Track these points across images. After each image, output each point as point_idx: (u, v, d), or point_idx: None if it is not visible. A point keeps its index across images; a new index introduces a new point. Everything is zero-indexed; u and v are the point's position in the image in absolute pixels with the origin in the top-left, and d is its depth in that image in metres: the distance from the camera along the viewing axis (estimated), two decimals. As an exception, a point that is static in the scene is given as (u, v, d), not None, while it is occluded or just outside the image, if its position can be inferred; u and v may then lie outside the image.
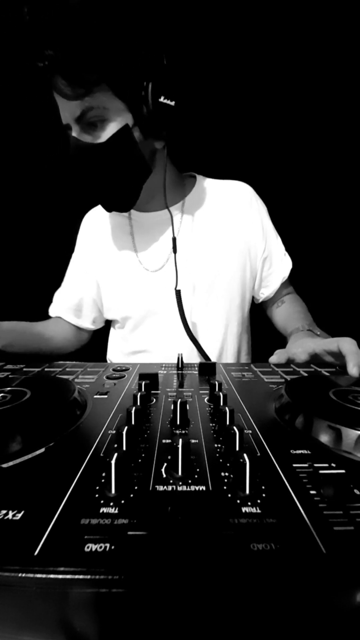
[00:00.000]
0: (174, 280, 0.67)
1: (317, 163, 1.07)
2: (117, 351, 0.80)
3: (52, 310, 0.84)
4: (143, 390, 0.35)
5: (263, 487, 0.20)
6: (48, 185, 1.05)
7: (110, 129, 0.57)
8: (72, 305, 0.81)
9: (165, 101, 0.57)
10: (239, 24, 0.93)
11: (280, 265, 0.78)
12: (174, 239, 0.67)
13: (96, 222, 0.81)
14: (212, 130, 1.03)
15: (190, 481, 0.21)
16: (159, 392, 0.38)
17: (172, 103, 0.57)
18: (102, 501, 0.19)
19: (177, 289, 0.66)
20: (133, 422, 0.27)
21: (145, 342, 0.74)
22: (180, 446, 0.21)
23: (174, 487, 0.20)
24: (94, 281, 0.79)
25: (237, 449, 0.23)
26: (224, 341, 0.74)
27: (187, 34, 0.90)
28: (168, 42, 0.60)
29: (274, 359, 0.53)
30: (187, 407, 0.30)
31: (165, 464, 0.23)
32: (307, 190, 1.09)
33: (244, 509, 0.18)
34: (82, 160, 0.59)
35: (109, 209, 0.69)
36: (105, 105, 0.56)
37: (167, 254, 0.71)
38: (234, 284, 0.73)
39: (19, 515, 0.18)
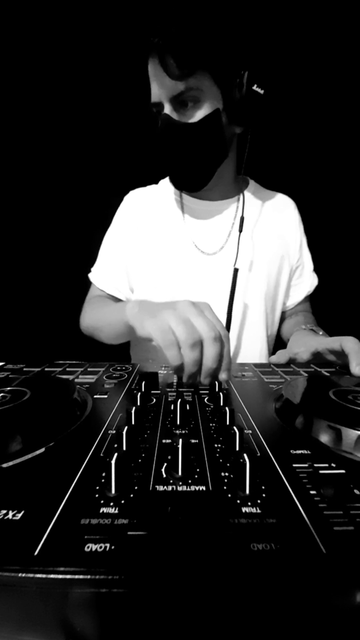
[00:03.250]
0: (230, 263, 0.69)
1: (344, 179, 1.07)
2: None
3: (103, 284, 0.79)
4: (143, 390, 0.35)
5: (263, 487, 0.20)
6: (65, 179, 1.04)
7: (203, 111, 0.60)
8: (124, 279, 0.79)
9: (257, 89, 0.60)
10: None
11: (308, 279, 0.81)
12: (242, 218, 0.70)
13: (143, 202, 0.80)
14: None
15: (190, 481, 0.21)
16: (159, 392, 0.38)
17: (262, 92, 0.61)
18: (102, 501, 0.19)
19: (236, 267, 0.69)
20: (133, 422, 0.27)
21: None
22: (180, 446, 0.21)
23: (174, 487, 0.20)
24: (138, 260, 0.77)
25: (237, 449, 0.23)
26: (252, 333, 0.75)
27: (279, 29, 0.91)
28: (265, 34, 0.64)
29: (275, 358, 0.53)
30: (187, 407, 0.30)
31: (165, 464, 0.23)
32: (337, 204, 1.09)
33: (244, 509, 0.18)
34: (172, 137, 0.62)
35: (181, 186, 0.71)
36: (202, 88, 0.59)
37: (223, 239, 0.74)
38: (271, 282, 0.76)
39: (19, 515, 0.18)
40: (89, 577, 0.15)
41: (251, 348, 0.74)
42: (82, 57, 0.98)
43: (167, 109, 0.60)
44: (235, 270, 0.68)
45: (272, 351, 0.82)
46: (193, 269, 0.73)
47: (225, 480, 0.21)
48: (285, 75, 0.97)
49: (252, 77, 0.60)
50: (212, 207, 0.75)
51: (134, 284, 0.78)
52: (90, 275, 0.81)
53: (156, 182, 0.83)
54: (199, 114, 0.60)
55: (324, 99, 1.03)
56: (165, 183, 0.81)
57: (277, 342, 0.83)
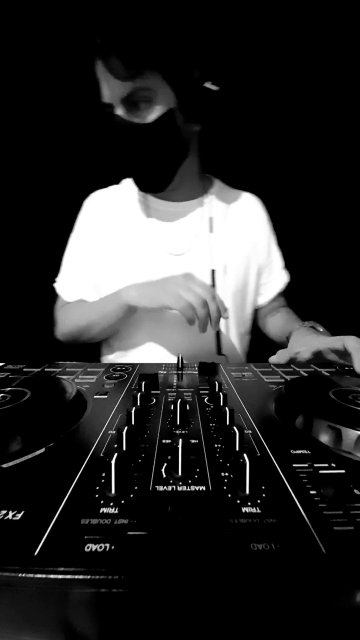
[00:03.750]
0: (199, 263, 0.71)
1: (318, 178, 1.08)
2: (115, 347, 0.78)
3: (69, 295, 0.78)
4: (143, 390, 0.35)
5: (263, 487, 0.20)
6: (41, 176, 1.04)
7: (157, 111, 0.59)
8: (90, 287, 0.78)
9: (210, 86, 0.59)
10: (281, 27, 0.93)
11: (279, 277, 0.82)
12: (211, 219, 0.72)
13: (106, 205, 0.79)
14: (231, 134, 1.02)
15: (190, 481, 0.21)
16: (159, 392, 0.38)
17: (216, 89, 0.60)
18: (102, 501, 0.19)
19: (212, 268, 0.70)
20: (133, 422, 0.27)
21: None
22: (180, 446, 0.21)
23: (174, 487, 0.20)
24: (104, 266, 0.76)
25: (237, 449, 0.23)
26: (227, 332, 0.76)
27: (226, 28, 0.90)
28: (216, 32, 0.62)
29: (275, 358, 0.53)
30: (187, 407, 0.30)
31: (165, 464, 0.23)
32: (305, 200, 1.09)
33: (244, 509, 0.18)
34: (128, 138, 0.61)
35: (143, 187, 0.71)
36: (153, 87, 0.58)
37: (191, 239, 0.74)
38: (240, 281, 0.76)
39: (19, 515, 0.18)
40: (89, 577, 0.15)
41: (225, 345, 0.75)
42: (30, 57, 0.96)
43: (120, 111, 0.59)
44: (213, 272, 0.69)
45: (249, 347, 0.84)
46: (162, 271, 0.71)
47: (225, 480, 0.21)
48: (246, 70, 0.96)
49: (204, 74, 0.59)
50: (177, 207, 0.75)
51: (103, 290, 0.76)
52: (56, 286, 0.80)
53: (117, 182, 0.82)
54: (152, 114, 0.59)
55: (287, 94, 1.02)
56: (128, 183, 0.79)
57: (262, 340, 0.85)
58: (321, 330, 0.66)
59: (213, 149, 0.79)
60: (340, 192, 1.09)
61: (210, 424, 0.29)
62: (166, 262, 0.73)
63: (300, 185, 1.09)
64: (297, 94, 1.02)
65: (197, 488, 0.20)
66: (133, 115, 0.59)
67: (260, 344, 0.84)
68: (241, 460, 0.20)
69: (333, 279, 1.12)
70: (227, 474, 0.22)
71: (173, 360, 0.61)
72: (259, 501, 0.19)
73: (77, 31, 0.59)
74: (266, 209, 0.83)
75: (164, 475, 0.22)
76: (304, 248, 1.08)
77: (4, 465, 0.22)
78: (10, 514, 0.18)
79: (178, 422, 0.29)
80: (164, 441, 0.26)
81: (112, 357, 0.78)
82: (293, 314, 0.81)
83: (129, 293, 0.63)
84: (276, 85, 1.01)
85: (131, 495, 0.20)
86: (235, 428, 0.24)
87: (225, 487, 0.20)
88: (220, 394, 0.32)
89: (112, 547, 0.16)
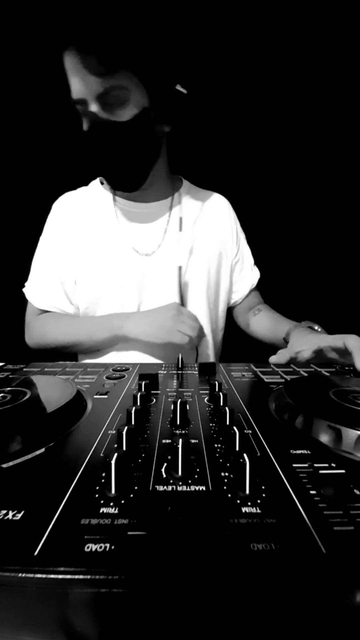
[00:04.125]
0: (168, 263, 0.72)
1: (290, 177, 1.10)
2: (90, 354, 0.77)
3: (39, 301, 0.76)
4: (143, 390, 0.35)
5: (263, 487, 0.20)
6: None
7: (131, 109, 0.60)
8: (61, 293, 0.76)
9: (180, 89, 0.61)
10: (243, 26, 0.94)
11: (250, 273, 0.85)
12: (181, 219, 0.73)
13: (74, 207, 0.77)
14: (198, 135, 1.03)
15: (190, 481, 0.21)
16: (159, 392, 0.38)
17: (185, 92, 0.62)
18: (102, 501, 0.19)
19: (180, 265, 0.72)
20: (133, 422, 0.27)
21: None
22: (180, 446, 0.21)
23: (174, 487, 0.20)
24: (75, 269, 0.75)
25: (237, 449, 0.23)
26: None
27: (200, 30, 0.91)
28: (189, 35, 0.66)
29: (275, 359, 0.53)
30: (187, 407, 0.30)
31: (165, 464, 0.23)
32: (274, 202, 1.12)
33: (244, 509, 0.18)
34: (103, 136, 0.61)
35: (118, 187, 0.71)
36: (128, 86, 0.58)
37: (159, 239, 0.75)
38: (212, 278, 0.78)
39: (19, 515, 0.18)
40: (89, 577, 0.15)
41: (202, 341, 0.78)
42: None
43: (94, 107, 0.59)
44: (179, 268, 0.72)
45: (222, 344, 0.86)
46: (132, 271, 0.72)
47: (225, 480, 0.21)
48: (213, 73, 0.98)
49: (176, 77, 0.61)
50: (147, 208, 0.75)
51: (73, 294, 0.75)
52: (25, 292, 0.78)
53: (86, 184, 0.81)
54: (128, 113, 0.59)
55: (250, 98, 1.03)
56: (96, 184, 0.79)
57: (247, 338, 0.86)
58: (319, 329, 0.66)
59: (181, 150, 0.79)
60: (308, 189, 1.11)
61: (210, 424, 0.29)
62: (136, 262, 0.73)
63: (265, 184, 1.11)
64: (264, 93, 1.03)
65: (197, 488, 0.20)
66: (108, 112, 0.59)
67: (261, 343, 0.84)
68: (241, 460, 0.20)
69: (324, 278, 1.14)
70: (227, 474, 0.22)
71: (147, 360, 0.68)
72: (259, 501, 0.19)
73: (46, 26, 0.58)
74: (235, 208, 0.86)
75: (164, 475, 0.22)
76: (278, 243, 1.11)
77: (4, 465, 0.22)
78: (10, 514, 0.18)
79: (178, 422, 0.29)
80: (164, 441, 0.26)
81: (87, 359, 0.78)
82: (275, 312, 0.83)
83: (127, 327, 0.66)
84: (242, 85, 1.02)
85: (131, 495, 0.20)
86: (235, 428, 0.24)
87: (225, 487, 0.20)
88: (220, 394, 0.32)
89: (112, 547, 0.16)
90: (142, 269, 0.72)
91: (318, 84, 1.01)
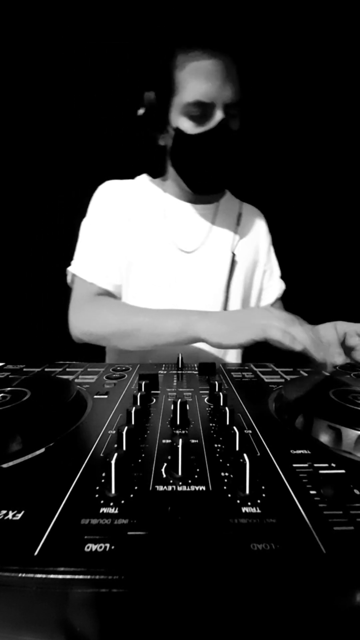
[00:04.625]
0: (207, 261, 0.76)
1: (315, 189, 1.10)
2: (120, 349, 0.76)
3: (101, 280, 0.71)
4: (143, 390, 0.35)
5: (263, 487, 0.20)
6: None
7: (238, 121, 0.68)
8: (115, 274, 0.73)
9: None
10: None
11: (277, 284, 0.88)
12: (240, 214, 0.81)
13: (123, 195, 0.77)
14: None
15: (190, 481, 0.21)
16: (159, 392, 0.38)
17: None
18: (102, 501, 0.19)
19: (233, 252, 0.77)
20: (133, 422, 0.27)
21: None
22: (180, 446, 0.21)
23: (174, 487, 0.20)
24: (125, 253, 0.73)
25: (237, 449, 0.23)
26: None
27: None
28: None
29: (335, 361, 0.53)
30: (187, 407, 0.30)
31: (165, 464, 0.23)
32: (301, 211, 1.12)
33: (244, 509, 0.18)
34: (218, 142, 0.66)
35: (202, 190, 0.75)
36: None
37: (202, 238, 0.77)
38: (247, 281, 0.81)
39: (19, 515, 0.18)
40: (89, 577, 0.15)
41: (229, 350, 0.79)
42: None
43: (220, 114, 0.63)
44: (233, 255, 0.76)
45: (245, 348, 0.83)
46: (174, 267, 0.75)
47: (225, 480, 0.21)
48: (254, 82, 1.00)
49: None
50: (194, 210, 0.79)
51: (124, 278, 0.74)
52: (78, 270, 0.72)
53: (129, 177, 0.82)
54: (237, 123, 0.67)
55: (282, 106, 1.04)
56: (143, 180, 0.81)
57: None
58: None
59: None
60: (340, 203, 1.11)
61: (210, 424, 0.29)
62: (178, 259, 0.75)
63: (299, 197, 1.13)
64: (295, 105, 1.03)
65: (197, 488, 0.20)
66: (229, 121, 0.65)
67: (260, 344, 0.84)
68: (241, 460, 0.20)
69: (332, 288, 1.14)
70: (227, 474, 0.22)
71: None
72: (259, 501, 0.19)
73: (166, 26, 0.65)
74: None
75: (164, 475, 0.22)
76: (301, 257, 1.12)
77: (4, 465, 0.22)
78: (10, 514, 0.18)
79: (178, 422, 0.29)
80: (164, 441, 0.26)
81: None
82: None
83: (200, 325, 0.56)
84: (277, 99, 1.02)
85: (131, 495, 0.20)
86: (235, 428, 0.24)
87: (225, 487, 0.20)
88: (220, 394, 0.32)
89: (112, 547, 0.16)
90: (183, 265, 0.75)
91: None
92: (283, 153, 1.08)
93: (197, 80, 0.62)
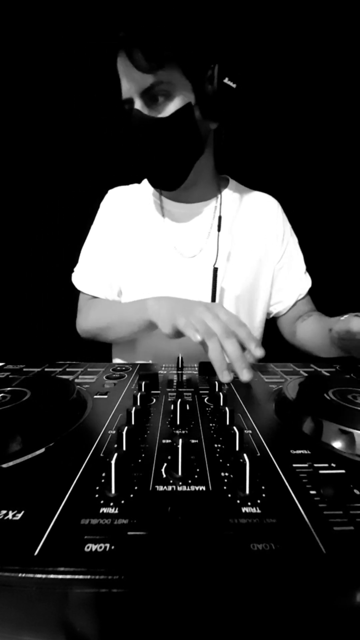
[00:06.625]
0: (209, 266, 0.69)
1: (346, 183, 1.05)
2: (126, 349, 0.77)
3: (88, 288, 0.76)
4: (143, 390, 0.35)
5: (263, 487, 0.20)
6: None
7: (174, 105, 0.59)
8: (111, 283, 0.76)
9: (229, 83, 0.59)
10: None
11: (299, 282, 0.77)
12: (220, 218, 0.70)
13: (124, 202, 0.78)
14: (248, 135, 1.01)
15: (190, 481, 0.21)
16: (159, 392, 0.38)
17: (234, 85, 0.59)
18: (102, 501, 0.19)
19: (215, 266, 0.68)
20: (133, 422, 0.27)
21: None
22: (180, 446, 0.21)
23: (174, 487, 0.20)
24: (120, 261, 0.75)
25: (237, 449, 0.23)
26: None
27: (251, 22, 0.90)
28: (236, 28, 0.63)
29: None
30: (187, 407, 0.30)
31: (165, 464, 0.23)
32: (330, 205, 1.06)
33: (244, 509, 0.18)
34: (144, 132, 0.60)
35: (156, 184, 0.70)
36: (172, 81, 0.58)
37: (202, 241, 0.73)
38: (246, 285, 0.74)
39: (19, 515, 0.18)
40: (89, 577, 0.15)
41: None
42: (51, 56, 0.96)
43: (138, 104, 0.59)
44: (215, 270, 0.68)
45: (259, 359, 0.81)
46: (174, 273, 0.72)
47: (225, 480, 0.21)
48: (265, 68, 0.95)
49: (223, 70, 0.58)
50: (191, 209, 0.74)
51: (121, 285, 0.76)
52: (75, 279, 0.77)
53: (138, 181, 0.82)
54: (170, 108, 0.58)
55: (314, 94, 1.00)
56: (146, 183, 0.79)
57: (263, 341, 0.81)
58: None
59: (229, 148, 0.76)
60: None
61: (210, 424, 0.29)
62: (177, 264, 0.72)
63: (321, 186, 1.06)
64: (322, 94, 1.00)
65: (197, 488, 0.20)
66: (151, 109, 0.60)
67: (261, 344, 0.83)
68: (241, 460, 0.20)
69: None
70: (227, 474, 0.22)
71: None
72: (259, 501, 0.19)
73: (101, 26, 0.59)
74: (286, 211, 0.80)
75: (164, 475, 0.22)
76: (326, 250, 1.04)
77: (4, 465, 0.22)
78: (10, 514, 0.18)
79: (178, 422, 0.29)
80: (164, 441, 0.26)
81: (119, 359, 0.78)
82: (327, 317, 0.74)
83: (153, 307, 0.57)
84: (299, 85, 1.00)
85: (131, 495, 0.20)
86: (235, 428, 0.24)
87: (225, 487, 0.20)
88: (220, 394, 0.32)
89: (112, 547, 0.16)
90: (183, 270, 0.71)
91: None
92: (307, 133, 1.02)
93: (121, 82, 0.60)
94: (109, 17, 0.58)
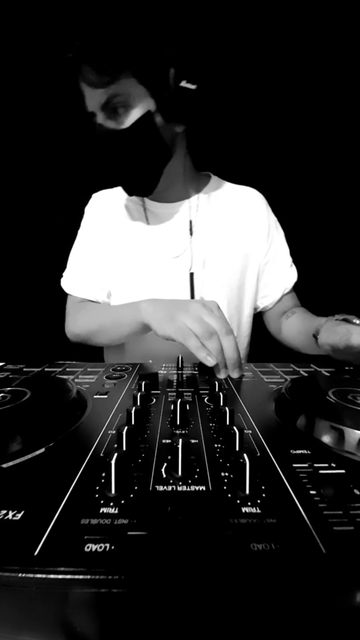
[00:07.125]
0: (188, 267, 0.70)
1: (331, 174, 1.06)
2: (118, 352, 0.78)
3: (77, 291, 0.77)
4: (143, 390, 0.35)
5: (263, 487, 0.20)
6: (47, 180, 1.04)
7: (133, 115, 0.59)
8: (100, 285, 0.76)
9: (187, 85, 0.59)
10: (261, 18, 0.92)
11: (284, 276, 0.77)
12: (190, 222, 0.71)
13: (108, 205, 0.79)
14: (229, 131, 1.01)
15: (190, 481, 0.21)
16: (159, 392, 0.38)
17: (194, 87, 0.59)
18: (102, 501, 0.19)
19: (191, 271, 0.69)
20: (133, 422, 0.27)
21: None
22: (180, 446, 0.21)
23: (174, 487, 0.20)
24: (108, 263, 0.76)
25: (237, 449, 0.23)
26: None
27: (207, 23, 0.89)
28: (188, 29, 0.62)
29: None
30: (187, 407, 0.30)
31: (165, 464, 0.23)
32: (315, 198, 1.07)
33: (244, 509, 0.18)
34: (107, 145, 0.61)
35: (130, 192, 0.70)
36: (128, 92, 0.58)
37: (187, 240, 0.73)
38: (234, 282, 0.74)
39: (19, 515, 0.18)
40: (89, 577, 0.15)
41: None
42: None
43: (100, 118, 0.60)
44: (191, 275, 0.69)
45: (249, 352, 0.81)
46: (159, 272, 0.72)
47: (225, 480, 0.21)
48: (229, 62, 0.94)
49: (179, 73, 0.58)
50: (171, 209, 0.75)
51: (110, 287, 0.76)
52: (64, 283, 0.78)
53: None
54: (130, 119, 0.59)
55: (295, 84, 1.00)
56: None
57: (262, 340, 0.82)
58: (358, 322, 0.54)
59: (204, 146, 0.76)
60: (354, 184, 1.06)
61: (210, 424, 0.29)
62: (164, 264, 0.72)
63: (307, 178, 1.06)
64: (296, 90, 1.01)
65: (197, 488, 0.20)
66: (112, 121, 0.60)
67: (261, 344, 0.83)
68: (241, 460, 0.20)
69: (344, 277, 1.09)
70: (227, 474, 0.22)
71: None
72: (259, 501, 0.19)
73: (54, 46, 0.60)
74: (271, 204, 0.80)
75: (164, 475, 0.22)
76: (312, 244, 1.04)
77: (4, 465, 0.22)
78: (10, 514, 0.18)
79: (178, 422, 0.29)
80: (164, 441, 0.26)
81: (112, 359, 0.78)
82: (311, 314, 0.74)
83: (147, 310, 0.57)
84: (279, 77, 0.99)
85: (131, 495, 0.20)
86: (235, 428, 0.24)
87: (225, 487, 0.20)
88: (220, 394, 0.32)
89: (112, 547, 0.16)
90: (168, 271, 0.72)
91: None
92: (291, 132, 1.02)
93: (84, 95, 0.61)
94: (58, 38, 0.58)
